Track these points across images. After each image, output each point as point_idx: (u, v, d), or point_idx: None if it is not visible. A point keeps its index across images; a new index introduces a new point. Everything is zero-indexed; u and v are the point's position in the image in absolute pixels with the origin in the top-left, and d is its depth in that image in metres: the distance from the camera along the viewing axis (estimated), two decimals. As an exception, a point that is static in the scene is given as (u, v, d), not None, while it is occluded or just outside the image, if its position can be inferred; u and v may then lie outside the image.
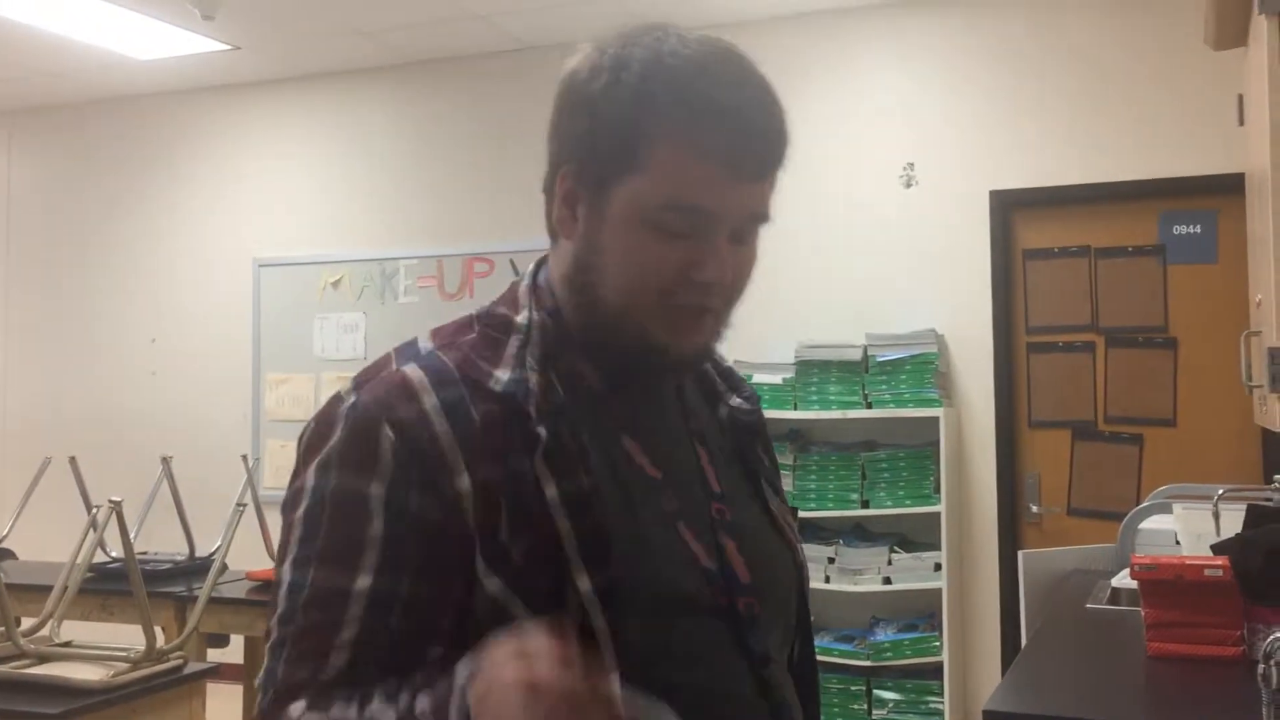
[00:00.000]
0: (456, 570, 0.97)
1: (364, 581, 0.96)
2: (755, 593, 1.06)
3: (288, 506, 1.04)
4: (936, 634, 5.01)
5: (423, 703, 0.91)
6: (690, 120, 1.00)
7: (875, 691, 5.09)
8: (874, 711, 5.09)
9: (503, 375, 1.02)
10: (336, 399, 1.04)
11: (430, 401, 0.99)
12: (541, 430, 0.99)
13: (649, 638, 0.98)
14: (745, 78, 1.04)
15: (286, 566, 1.01)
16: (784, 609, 1.13)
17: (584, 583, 0.96)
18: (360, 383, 1.04)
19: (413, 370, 1.02)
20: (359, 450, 0.99)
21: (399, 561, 0.97)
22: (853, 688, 5.10)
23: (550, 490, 0.98)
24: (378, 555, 0.97)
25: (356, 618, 0.96)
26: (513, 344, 1.05)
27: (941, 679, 4.97)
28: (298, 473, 1.03)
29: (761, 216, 1.06)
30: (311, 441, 1.03)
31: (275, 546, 1.12)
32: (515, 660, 0.85)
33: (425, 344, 1.07)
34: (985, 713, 2.25)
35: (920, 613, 5.10)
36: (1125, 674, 2.45)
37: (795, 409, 5.17)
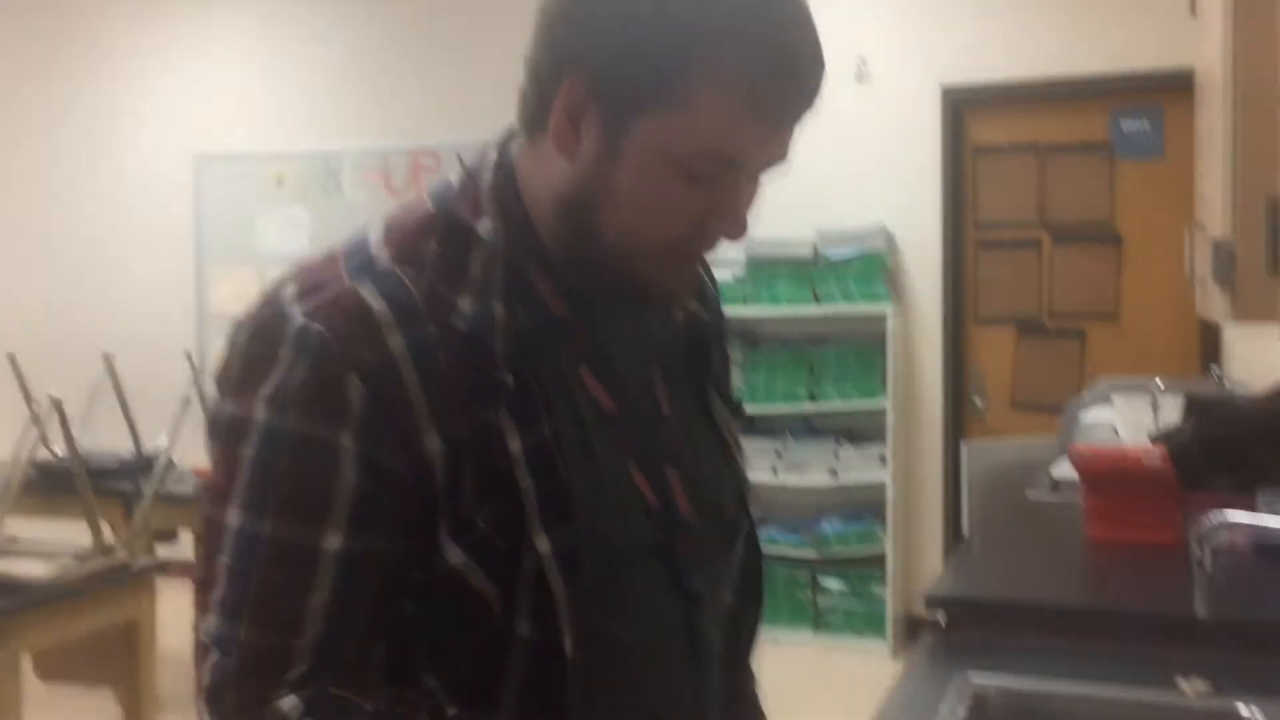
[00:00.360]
0: (424, 530, 0.92)
1: (335, 541, 0.89)
2: (696, 528, 1.04)
3: (227, 437, 0.93)
4: (881, 526, 5.11)
5: None
6: (748, 63, 0.90)
7: (820, 582, 5.20)
8: (819, 601, 5.20)
9: (467, 308, 0.94)
10: (279, 312, 0.93)
11: (397, 343, 0.91)
12: (508, 378, 0.93)
13: (597, 588, 0.95)
14: (800, 9, 0.93)
15: (235, 511, 0.91)
16: (726, 537, 1.11)
17: (543, 544, 0.92)
18: (305, 291, 0.94)
19: (373, 297, 0.92)
20: (324, 396, 0.90)
21: (371, 519, 0.90)
22: (799, 579, 5.21)
23: (514, 444, 0.93)
24: (349, 512, 0.90)
25: (328, 582, 0.89)
26: (476, 262, 0.96)
27: (885, 570, 5.08)
28: (237, 396, 0.93)
29: (786, 159, 0.99)
30: (252, 362, 0.93)
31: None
32: None
33: (380, 254, 0.96)
34: (928, 598, 2.30)
35: (865, 505, 5.19)
36: (1065, 561, 2.51)
37: (745, 305, 5.18)
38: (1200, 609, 1.84)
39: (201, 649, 0.91)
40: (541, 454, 0.93)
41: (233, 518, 0.91)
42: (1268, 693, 1.71)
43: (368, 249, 0.97)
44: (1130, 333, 5.02)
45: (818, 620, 5.20)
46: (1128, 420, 3.05)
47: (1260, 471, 2.28)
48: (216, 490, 0.93)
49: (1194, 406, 2.75)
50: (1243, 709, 1.72)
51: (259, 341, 0.93)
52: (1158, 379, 3.24)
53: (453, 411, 0.91)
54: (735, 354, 5.24)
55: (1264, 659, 1.79)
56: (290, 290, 0.95)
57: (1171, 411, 2.85)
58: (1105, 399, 3.27)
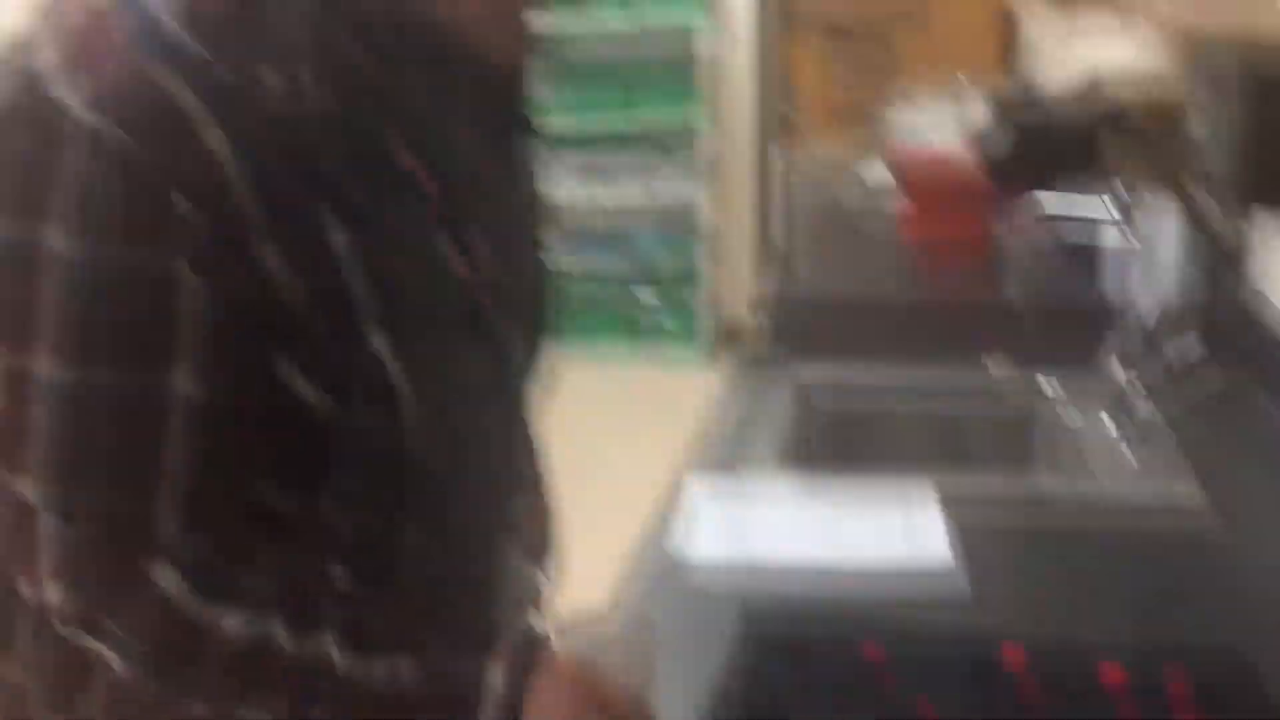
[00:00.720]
0: (264, 356, 0.83)
1: (184, 384, 0.79)
2: (507, 293, 0.99)
3: (6, 264, 0.79)
4: (694, 238, 5.19)
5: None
6: None
7: (635, 296, 5.29)
8: (635, 316, 5.31)
9: (274, 81, 0.80)
10: (44, 97, 0.77)
11: (217, 144, 0.77)
12: (330, 166, 0.83)
13: (427, 369, 0.90)
14: None
15: (48, 358, 0.78)
16: (528, 287, 1.07)
17: (380, 343, 0.85)
18: (76, 66, 0.77)
19: (175, 84, 0.77)
20: (145, 219, 0.77)
21: (218, 354, 0.80)
22: (613, 294, 5.28)
23: (339, 240, 0.83)
24: (195, 349, 0.79)
25: (183, 429, 0.80)
26: (276, 19, 0.82)
27: (699, 282, 5.20)
28: (11, 213, 0.78)
29: None
30: (22, 168, 0.78)
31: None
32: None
33: (164, 14, 0.79)
34: (751, 301, 2.34)
35: (678, 219, 5.24)
36: (881, 261, 2.59)
37: (555, 17, 5.00)
38: (1007, 295, 1.95)
39: (24, 515, 0.81)
40: (370, 251, 0.85)
41: (45, 365, 0.78)
42: (1063, 366, 1.86)
43: (145, 6, 0.80)
44: (939, 38, 5.06)
45: (633, 333, 5.32)
46: (939, 125, 3.10)
47: (1066, 168, 2.35)
48: (4, 329, 0.80)
49: (1003, 108, 2.81)
50: (1041, 381, 1.86)
51: (25, 138, 0.78)
52: (966, 83, 3.29)
53: (284, 218, 0.80)
54: (544, 68, 5.08)
55: (1062, 338, 1.91)
56: (52, 62, 0.78)
57: (981, 115, 2.90)
58: (916, 105, 3.31)
